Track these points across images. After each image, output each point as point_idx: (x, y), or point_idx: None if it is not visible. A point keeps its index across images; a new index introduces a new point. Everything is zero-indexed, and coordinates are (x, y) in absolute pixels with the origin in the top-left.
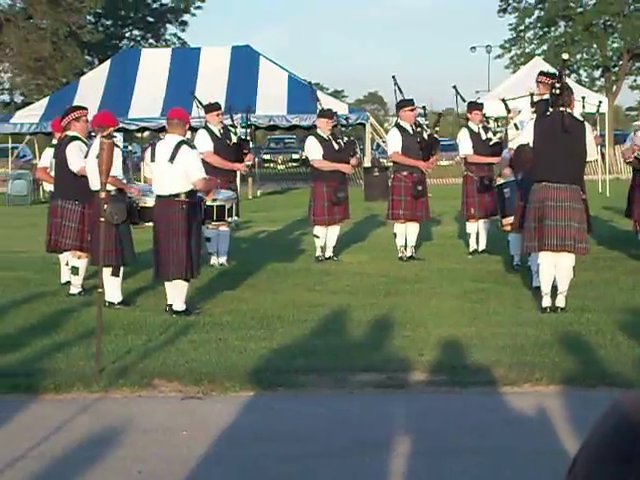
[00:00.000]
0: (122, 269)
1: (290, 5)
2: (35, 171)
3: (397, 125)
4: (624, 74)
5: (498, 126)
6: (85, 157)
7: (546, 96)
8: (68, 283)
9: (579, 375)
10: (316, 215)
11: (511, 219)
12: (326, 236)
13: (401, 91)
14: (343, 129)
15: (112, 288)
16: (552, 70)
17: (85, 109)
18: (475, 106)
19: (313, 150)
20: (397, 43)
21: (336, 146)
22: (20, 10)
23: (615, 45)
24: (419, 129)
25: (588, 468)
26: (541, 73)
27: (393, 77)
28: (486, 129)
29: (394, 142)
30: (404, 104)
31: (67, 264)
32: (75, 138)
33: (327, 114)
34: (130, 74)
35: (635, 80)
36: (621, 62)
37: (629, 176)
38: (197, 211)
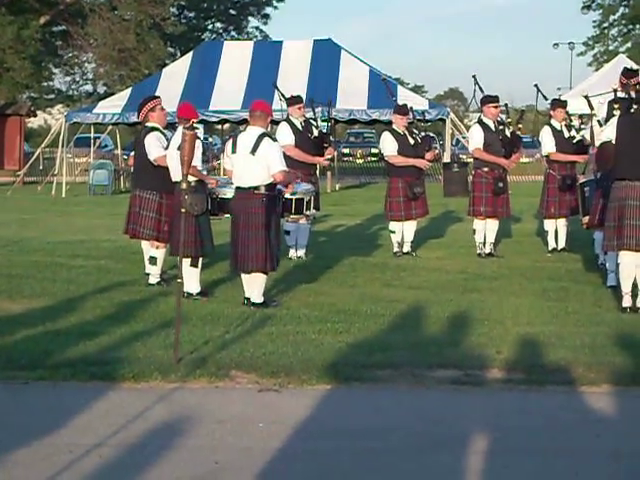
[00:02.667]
0: (201, 260)
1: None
2: (115, 160)
3: (480, 121)
4: None
5: (582, 123)
6: (166, 148)
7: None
8: (148, 274)
9: None
10: (392, 210)
11: (587, 218)
12: (402, 231)
13: (482, 90)
14: (421, 124)
15: (191, 279)
16: (636, 68)
17: (157, 97)
18: (558, 104)
19: (388, 145)
20: (478, 39)
21: (411, 141)
22: (105, 1)
23: None
24: (501, 126)
25: None
26: (623, 72)
27: (474, 76)
28: (569, 127)
29: (476, 138)
30: (488, 100)
31: None
32: (153, 129)
33: (402, 110)
34: (212, 66)
35: None
36: None
37: None
38: (276, 204)
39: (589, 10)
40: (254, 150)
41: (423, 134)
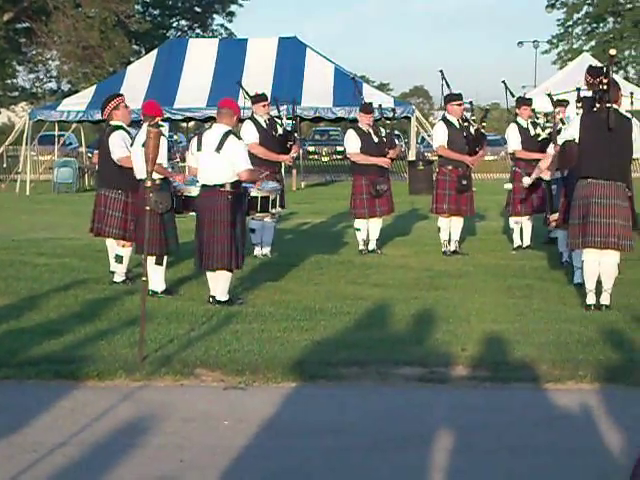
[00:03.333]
0: (166, 258)
1: None
2: (79, 158)
3: (444, 119)
4: None
5: (547, 121)
6: (131, 145)
7: (589, 93)
8: (114, 272)
9: (623, 373)
10: (356, 208)
11: (556, 215)
12: (368, 229)
13: (448, 85)
14: (388, 122)
15: (156, 277)
16: (600, 66)
17: (121, 95)
18: (524, 101)
19: (351, 143)
20: (444, 37)
21: (375, 139)
22: None
23: None
24: (466, 123)
25: None
26: (588, 70)
27: (441, 71)
28: (535, 125)
29: (440, 136)
30: (452, 98)
31: None
32: (117, 127)
33: (366, 108)
34: (177, 64)
35: None
36: None
37: None
38: (242, 202)
39: (553, 9)
40: (219, 148)
41: (385, 132)
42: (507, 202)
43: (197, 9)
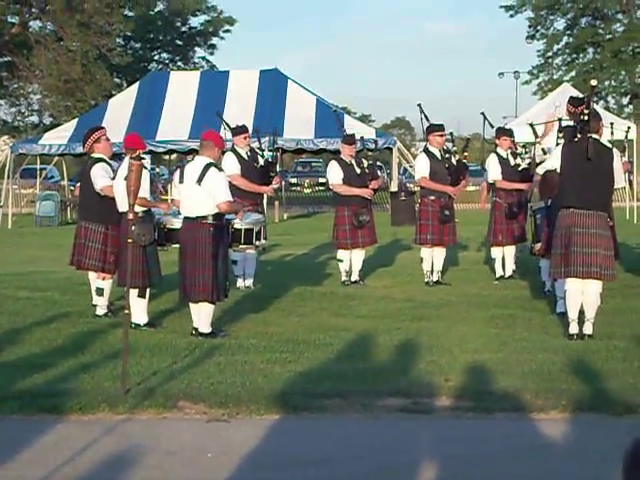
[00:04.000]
0: (148, 291)
1: (318, 30)
2: (61, 191)
3: (426, 150)
4: None
5: (526, 152)
6: (113, 179)
7: (571, 122)
8: (96, 306)
9: (606, 402)
10: (339, 239)
11: (538, 246)
12: (350, 260)
13: (427, 119)
14: (370, 153)
15: (138, 309)
16: (581, 96)
17: (102, 128)
18: (504, 132)
19: (333, 174)
20: (425, 69)
21: (358, 170)
22: (50, 32)
23: None
24: (447, 154)
25: None
26: (569, 100)
27: (419, 105)
28: (515, 155)
29: (422, 167)
30: (433, 129)
31: None
32: (99, 160)
33: (349, 139)
34: (158, 96)
35: None
36: None
37: None
38: (224, 234)
39: (534, 39)
40: (200, 180)
41: (368, 163)
42: (487, 232)
43: (178, 42)
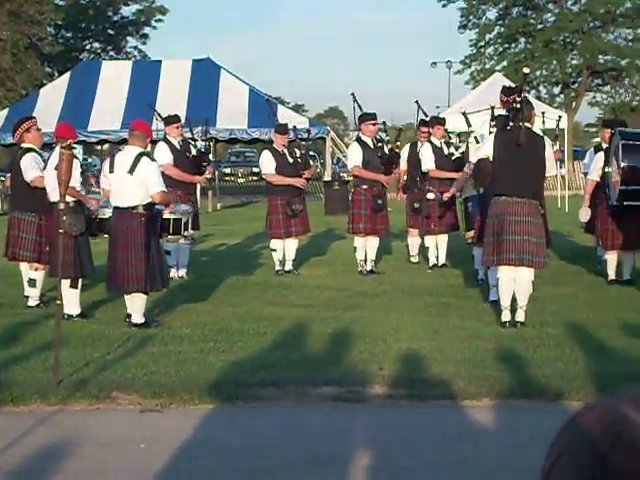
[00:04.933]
0: (80, 281)
1: (251, 20)
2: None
3: (358, 139)
4: (583, 91)
5: (460, 141)
6: (44, 168)
7: (503, 112)
8: (28, 297)
9: (538, 389)
10: (272, 228)
11: (472, 232)
12: (284, 249)
13: (361, 108)
14: (303, 143)
15: (70, 300)
16: (513, 85)
17: (33, 118)
18: (437, 121)
19: (266, 164)
20: (358, 58)
21: (290, 160)
22: None
23: (574, 62)
24: (380, 143)
25: None
26: (502, 90)
27: (352, 94)
28: (448, 144)
29: (355, 156)
30: (366, 118)
31: None
32: (29, 150)
33: (282, 129)
34: (90, 86)
35: (594, 97)
36: (580, 79)
37: None
38: (156, 223)
39: (466, 29)
40: (132, 170)
41: (300, 152)
42: (421, 221)
43: (110, 31)
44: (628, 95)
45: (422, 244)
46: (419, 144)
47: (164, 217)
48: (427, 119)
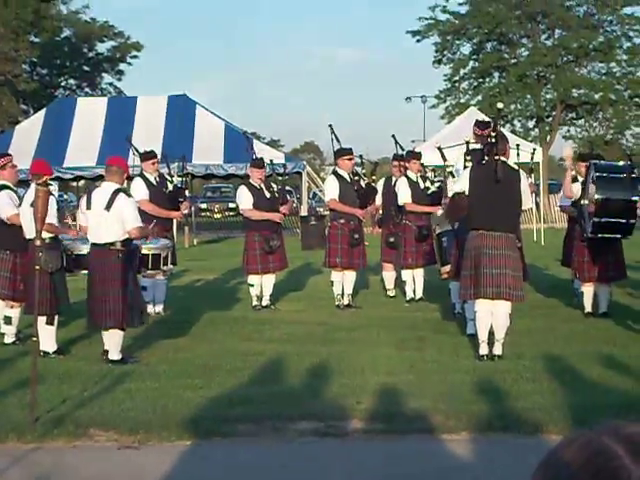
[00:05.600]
0: (57, 318)
1: (227, 56)
2: None
3: (335, 173)
4: (558, 124)
5: (436, 175)
6: (19, 205)
7: (478, 146)
8: (3, 334)
9: (516, 422)
10: (249, 264)
11: (449, 267)
12: (261, 285)
13: (338, 140)
14: (279, 178)
15: (47, 337)
16: (487, 120)
17: (8, 155)
18: (413, 155)
19: (243, 199)
20: (334, 94)
21: (268, 195)
22: None
23: (548, 96)
24: (356, 177)
25: None
26: (476, 123)
27: (330, 126)
28: (424, 178)
29: (332, 190)
30: (342, 152)
31: None
32: (4, 187)
33: (258, 164)
34: (65, 123)
35: (568, 130)
36: (554, 113)
37: (564, 225)
38: (133, 259)
39: (440, 64)
40: (109, 206)
41: (278, 187)
42: (398, 255)
43: (86, 68)
44: (602, 129)
45: (399, 277)
46: (393, 178)
47: (143, 252)
48: (401, 153)
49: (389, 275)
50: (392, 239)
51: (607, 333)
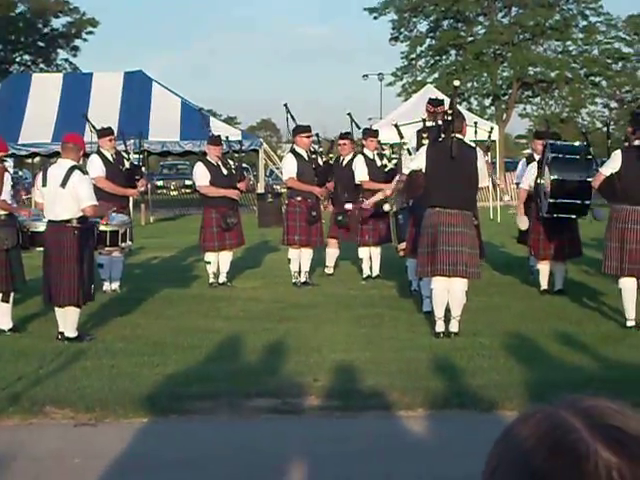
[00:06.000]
0: (12, 295)
1: (183, 32)
2: None
3: (292, 151)
4: (514, 102)
5: (393, 152)
6: None
7: (434, 123)
8: None
9: (473, 399)
10: (206, 241)
11: (405, 244)
12: (218, 262)
13: (294, 119)
14: (236, 155)
15: (2, 314)
16: (442, 98)
17: None
18: (370, 133)
19: (200, 176)
20: (291, 70)
21: (225, 172)
22: None
23: (505, 74)
24: (314, 155)
25: None
26: (429, 101)
27: (285, 105)
28: (381, 156)
29: (289, 167)
30: (300, 130)
31: None
32: None
33: (215, 141)
34: (20, 99)
35: (524, 108)
36: (511, 91)
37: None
38: (89, 237)
39: (397, 42)
40: (64, 183)
41: (235, 164)
42: (355, 232)
43: (41, 43)
44: (558, 107)
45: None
46: (341, 157)
47: (101, 229)
48: (347, 131)
49: (331, 252)
50: (340, 217)
51: (562, 310)
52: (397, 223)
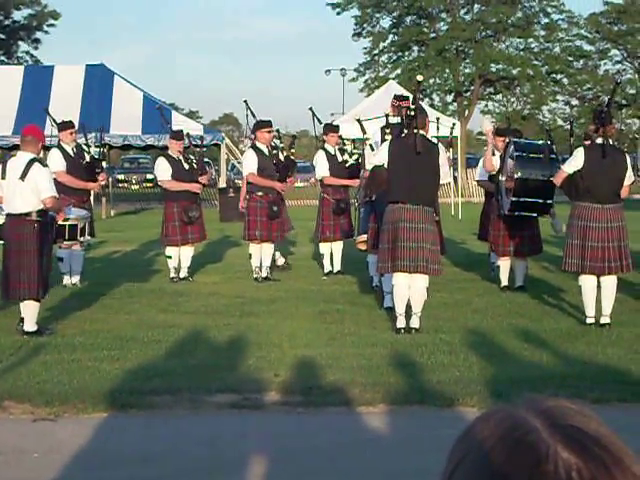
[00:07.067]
0: None
1: (145, 25)
2: None
3: (253, 146)
4: (476, 99)
5: (355, 148)
6: None
7: (397, 119)
8: None
9: (433, 395)
10: (168, 235)
11: (364, 237)
12: (179, 256)
13: (254, 115)
14: (197, 149)
15: None
16: (406, 94)
17: None
18: (331, 128)
19: (162, 170)
20: (252, 65)
21: (186, 166)
22: None
23: (467, 70)
24: (275, 151)
25: None
26: (395, 96)
27: (245, 101)
28: (342, 151)
29: (250, 163)
30: (261, 125)
31: None
32: None
33: (177, 135)
34: None
35: (486, 105)
36: (473, 87)
37: (481, 199)
38: (49, 230)
39: (360, 37)
40: (24, 175)
41: (196, 159)
42: (316, 228)
43: (1, 36)
44: (519, 104)
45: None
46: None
47: (60, 223)
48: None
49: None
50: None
51: (523, 307)
52: (358, 217)
